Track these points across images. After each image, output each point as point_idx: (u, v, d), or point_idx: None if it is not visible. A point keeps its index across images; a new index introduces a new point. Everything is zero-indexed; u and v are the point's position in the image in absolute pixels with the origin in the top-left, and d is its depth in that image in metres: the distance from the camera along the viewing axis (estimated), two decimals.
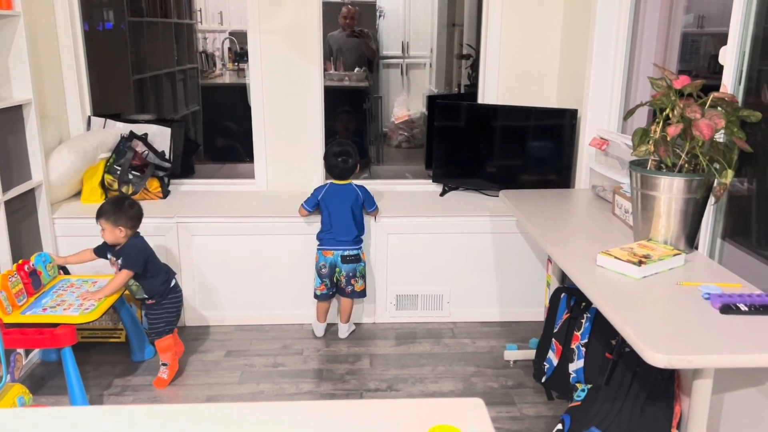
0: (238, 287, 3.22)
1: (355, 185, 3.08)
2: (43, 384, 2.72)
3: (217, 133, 5.73)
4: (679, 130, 1.89)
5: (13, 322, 2.43)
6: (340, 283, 3.09)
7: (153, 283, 2.72)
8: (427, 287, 3.29)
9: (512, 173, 3.41)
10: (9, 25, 2.74)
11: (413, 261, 3.24)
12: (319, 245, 3.07)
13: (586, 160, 3.12)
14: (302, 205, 3.08)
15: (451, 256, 3.24)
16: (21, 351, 2.53)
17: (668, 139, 1.94)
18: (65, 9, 3.32)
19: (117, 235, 2.64)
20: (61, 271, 2.85)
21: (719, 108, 1.91)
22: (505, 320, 3.32)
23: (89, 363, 2.90)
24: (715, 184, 1.96)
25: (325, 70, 3.51)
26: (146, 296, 2.73)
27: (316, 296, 3.11)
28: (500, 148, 3.45)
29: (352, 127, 5.68)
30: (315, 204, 3.06)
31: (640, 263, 1.87)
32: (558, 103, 3.50)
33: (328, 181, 3.10)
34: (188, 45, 5.97)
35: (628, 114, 2.16)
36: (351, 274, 3.07)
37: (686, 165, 2.00)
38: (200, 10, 6.52)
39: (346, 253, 3.03)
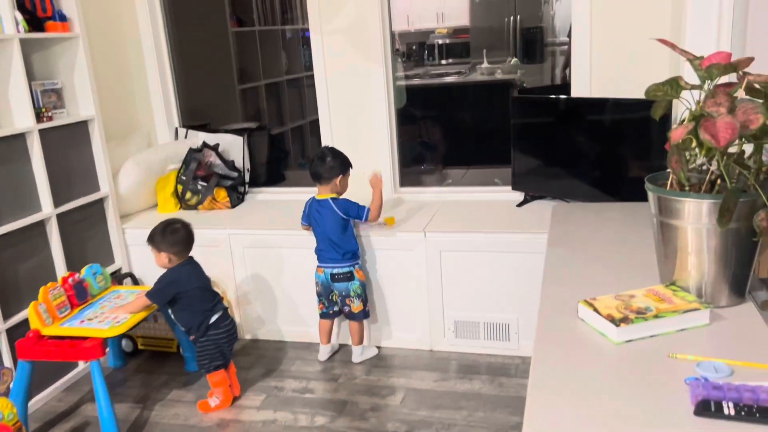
0: (290, 302, 3.08)
1: (331, 199, 2.77)
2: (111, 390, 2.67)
3: None
4: (685, 132, 1.31)
5: (52, 334, 2.49)
6: (337, 303, 2.83)
7: (184, 318, 2.59)
8: (490, 314, 2.84)
9: (606, 178, 2.80)
10: (70, 48, 2.90)
11: (472, 283, 2.82)
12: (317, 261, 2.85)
13: None
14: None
15: (519, 280, 2.75)
16: (10, 366, 2.57)
17: (677, 146, 1.36)
18: (147, 27, 3.49)
19: (163, 260, 2.55)
20: (115, 282, 2.93)
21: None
22: None
23: (146, 371, 2.98)
24: (760, 214, 1.32)
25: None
26: (183, 329, 2.64)
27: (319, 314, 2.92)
28: (590, 149, 2.86)
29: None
30: (307, 219, 2.85)
31: (620, 322, 1.33)
32: None
33: (311, 196, 2.86)
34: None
35: (654, 112, 1.56)
36: (344, 294, 2.79)
37: (719, 182, 1.39)
38: None
39: (335, 270, 2.76)
